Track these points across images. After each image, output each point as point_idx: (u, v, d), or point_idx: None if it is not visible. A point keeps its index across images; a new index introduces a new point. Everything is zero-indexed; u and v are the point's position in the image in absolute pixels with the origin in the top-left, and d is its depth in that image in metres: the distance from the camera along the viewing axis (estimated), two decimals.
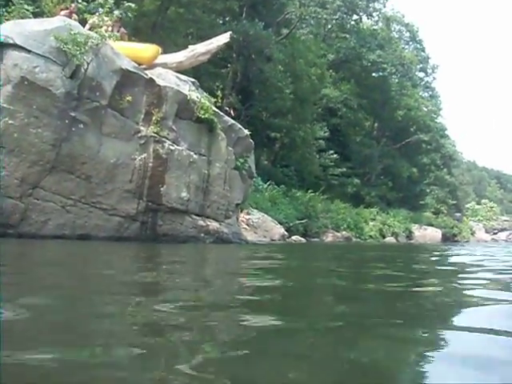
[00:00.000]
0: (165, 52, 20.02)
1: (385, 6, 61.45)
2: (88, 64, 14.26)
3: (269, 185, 35.15)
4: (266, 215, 29.16)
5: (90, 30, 16.05)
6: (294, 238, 30.40)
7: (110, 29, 17.38)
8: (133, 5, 21.12)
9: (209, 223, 17.81)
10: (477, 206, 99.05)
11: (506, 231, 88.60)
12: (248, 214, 27.92)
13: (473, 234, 72.95)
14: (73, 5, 18.08)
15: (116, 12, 19.13)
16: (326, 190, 42.75)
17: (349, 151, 53.41)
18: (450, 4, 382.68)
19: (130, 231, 15.77)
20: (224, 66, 39.48)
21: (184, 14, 34.08)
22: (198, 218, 17.57)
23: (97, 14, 18.00)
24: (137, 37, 22.34)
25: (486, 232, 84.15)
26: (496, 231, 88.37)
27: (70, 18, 16.60)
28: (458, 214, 77.16)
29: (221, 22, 40.12)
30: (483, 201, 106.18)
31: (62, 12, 17.08)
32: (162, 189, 16.27)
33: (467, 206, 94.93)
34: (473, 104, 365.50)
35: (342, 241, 37.58)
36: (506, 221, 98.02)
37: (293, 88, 39.60)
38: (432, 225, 59.22)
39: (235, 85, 39.14)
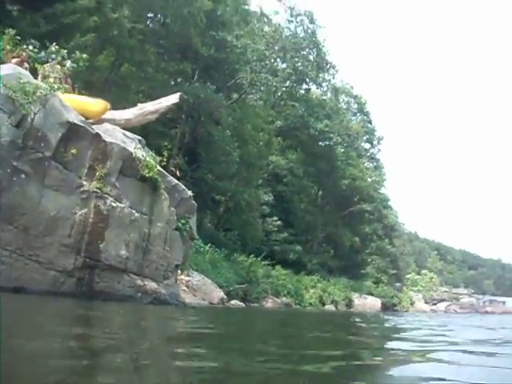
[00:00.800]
0: (116, 108, 20.01)
1: (334, 78, 62.80)
2: (35, 114, 14.08)
3: (210, 247, 34.94)
4: (206, 278, 28.90)
5: (42, 79, 15.95)
6: (232, 302, 30.14)
7: (58, 80, 17.27)
8: (84, 55, 21.04)
9: (146, 283, 17.51)
10: (417, 277, 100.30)
11: (445, 302, 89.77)
12: (188, 275, 27.63)
13: (412, 304, 73.51)
14: (24, 53, 17.97)
15: (68, 64, 19.07)
16: (268, 256, 42.65)
17: (292, 217, 53.66)
18: (395, 76, 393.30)
19: (66, 286, 15.36)
20: (173, 126, 39.64)
21: (136, 72, 34.29)
22: (136, 277, 17.26)
23: (49, 64, 17.89)
24: (89, 91, 22.31)
25: (426, 302, 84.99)
26: (435, 302, 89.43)
27: (21, 66, 16.50)
28: (399, 284, 77.87)
29: (173, 82, 40.43)
30: (423, 271, 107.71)
31: (14, 60, 16.95)
32: (101, 245, 15.98)
33: (408, 276, 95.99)
34: (415, 176, 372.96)
35: (282, 307, 37.44)
36: (445, 292, 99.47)
37: (240, 152, 39.91)
38: (372, 294, 59.57)
39: (182, 145, 39.24)
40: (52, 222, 14.77)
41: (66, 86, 16.96)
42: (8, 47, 16.94)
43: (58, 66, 17.69)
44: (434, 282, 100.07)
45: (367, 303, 55.15)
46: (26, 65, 17.04)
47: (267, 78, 45.40)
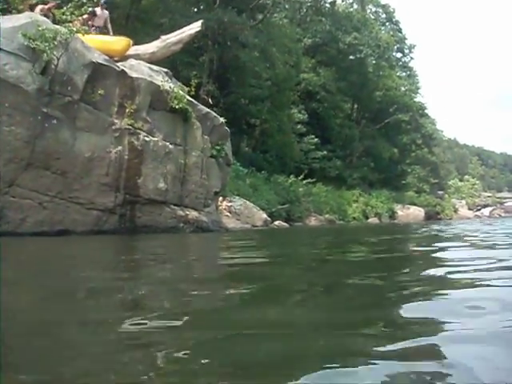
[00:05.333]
0: (140, 43, 20.01)
1: None
2: (58, 59, 14.19)
3: (249, 171, 35.16)
4: (247, 202, 29.19)
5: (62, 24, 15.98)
6: (276, 223, 30.52)
7: (79, 23, 17.29)
8: None
9: (188, 212, 17.87)
10: (459, 183, 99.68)
11: (489, 207, 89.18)
12: (229, 201, 27.97)
13: (456, 211, 73.31)
14: (53, 2, 17.95)
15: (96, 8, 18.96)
16: (308, 174, 42.80)
17: (329, 134, 53.41)
18: None
19: (109, 224, 15.79)
20: (200, 54, 39.34)
21: (157, 4, 33.93)
22: (176, 207, 17.62)
23: (65, 8, 17.88)
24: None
25: (469, 209, 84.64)
26: (479, 207, 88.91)
27: (48, 14, 16.60)
28: (441, 192, 77.55)
29: (195, 10, 40.04)
30: (465, 177, 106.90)
31: (39, 6, 16.98)
32: (138, 180, 16.31)
33: (450, 183, 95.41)
34: (453, 82, 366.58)
35: (326, 224, 37.77)
36: (488, 197, 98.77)
37: (269, 74, 39.65)
38: (415, 204, 59.46)
39: (212, 73, 39.01)
40: (88, 163, 15.08)
41: (86, 28, 16.95)
42: None
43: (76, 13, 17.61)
44: (476, 188, 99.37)
45: (410, 213, 55.17)
46: (50, 13, 17.09)
47: None
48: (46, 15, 16.36)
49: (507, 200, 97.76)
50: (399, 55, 75.14)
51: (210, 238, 15.53)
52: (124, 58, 17.93)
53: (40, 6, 16.97)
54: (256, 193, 32.72)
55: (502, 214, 79.88)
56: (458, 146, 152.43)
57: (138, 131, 16.44)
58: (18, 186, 13.74)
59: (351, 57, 57.62)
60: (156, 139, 17.00)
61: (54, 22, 16.12)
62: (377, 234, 18.13)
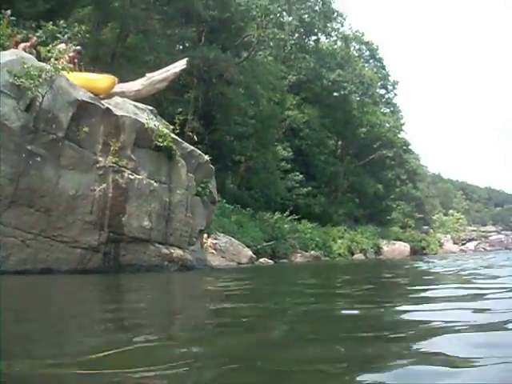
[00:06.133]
0: (126, 80, 20.03)
1: (342, 26, 61.95)
2: (43, 96, 14.13)
3: (234, 208, 35.13)
4: (232, 239, 29.12)
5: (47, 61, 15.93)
6: (261, 260, 30.44)
7: (64, 60, 17.22)
8: (84, 27, 20.94)
9: (172, 251, 17.73)
10: (444, 218, 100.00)
11: (474, 241, 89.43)
12: (215, 238, 27.88)
13: (441, 245, 73.48)
14: (34, 38, 17.95)
15: (78, 47, 18.94)
16: (294, 211, 42.76)
17: (314, 170, 53.55)
18: (409, 20, 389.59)
19: (93, 263, 15.61)
20: (185, 91, 39.53)
21: (142, 42, 34.12)
22: (161, 246, 17.49)
23: (50, 45, 17.83)
24: (96, 65, 22.30)
25: (455, 243, 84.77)
26: (464, 242, 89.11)
27: (31, 51, 16.57)
28: (426, 227, 77.76)
29: (181, 47, 40.37)
30: (450, 212, 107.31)
31: (22, 45, 16.95)
32: (123, 219, 16.18)
33: (434, 217, 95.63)
34: (435, 117, 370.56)
35: (311, 260, 37.68)
36: (473, 231, 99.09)
37: (254, 111, 39.83)
38: (400, 239, 59.55)
39: (197, 110, 39.16)
40: (72, 201, 14.94)
41: (71, 65, 16.89)
42: (8, 31, 16.93)
43: (63, 46, 17.53)
44: (461, 223, 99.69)
45: (396, 249, 55.19)
46: (36, 48, 17.06)
47: (274, 32, 44.86)
48: (30, 53, 16.33)
49: (492, 234, 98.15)
50: (383, 91, 75.77)
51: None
52: (109, 95, 17.89)
53: (22, 45, 16.91)
54: (241, 230, 32.67)
55: (487, 248, 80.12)
56: (442, 180, 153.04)
57: (123, 169, 16.36)
58: (2, 223, 13.57)
59: (335, 94, 57.97)
60: (140, 177, 16.92)
61: (39, 58, 16.05)
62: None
